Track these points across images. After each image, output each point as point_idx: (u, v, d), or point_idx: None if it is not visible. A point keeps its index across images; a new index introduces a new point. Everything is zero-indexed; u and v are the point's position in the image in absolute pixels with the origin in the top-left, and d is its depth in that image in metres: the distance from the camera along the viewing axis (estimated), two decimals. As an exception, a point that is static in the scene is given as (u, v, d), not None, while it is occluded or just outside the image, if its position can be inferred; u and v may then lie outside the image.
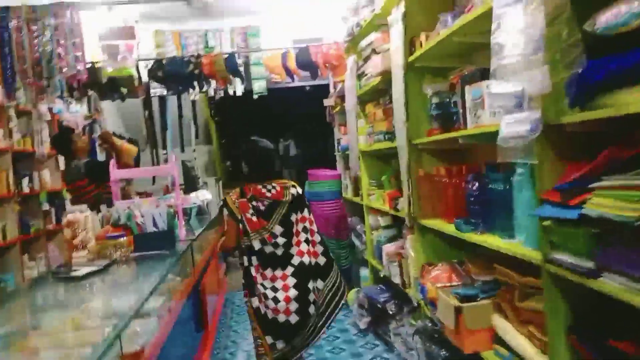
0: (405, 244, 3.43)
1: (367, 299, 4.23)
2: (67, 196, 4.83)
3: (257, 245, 2.60)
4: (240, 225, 2.61)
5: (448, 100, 2.75)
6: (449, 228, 2.65)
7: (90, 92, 5.09)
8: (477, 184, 2.43)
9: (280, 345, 2.60)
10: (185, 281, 3.05)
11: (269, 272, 2.61)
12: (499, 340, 2.21)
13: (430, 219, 3.07)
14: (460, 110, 2.58)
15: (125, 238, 2.80)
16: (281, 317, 2.58)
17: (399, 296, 3.95)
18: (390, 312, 3.88)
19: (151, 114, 6.05)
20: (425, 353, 2.91)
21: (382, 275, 4.03)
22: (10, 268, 4.01)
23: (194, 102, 6.13)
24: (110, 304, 2.11)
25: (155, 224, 3.01)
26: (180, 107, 6.10)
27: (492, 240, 2.22)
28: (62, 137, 4.17)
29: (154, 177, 6.46)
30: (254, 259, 2.62)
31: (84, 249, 2.70)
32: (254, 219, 2.61)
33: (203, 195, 4.93)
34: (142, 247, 2.94)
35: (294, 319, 2.60)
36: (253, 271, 2.61)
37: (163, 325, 2.27)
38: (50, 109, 4.80)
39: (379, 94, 4.09)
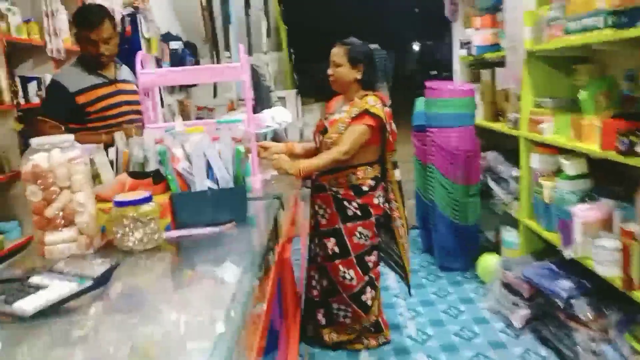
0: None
1: (527, 284, 2.70)
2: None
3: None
4: (389, 137, 2.41)
5: None
6: None
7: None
8: None
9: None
10: (266, 280, 1.61)
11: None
12: None
13: None
14: None
15: (152, 203, 1.35)
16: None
17: (595, 291, 2.40)
18: (583, 318, 2.35)
19: (210, 3, 4.43)
20: None
21: (568, 257, 2.45)
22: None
23: (265, -15, 4.44)
24: None
25: (211, 173, 1.53)
26: (246, -7, 4.44)
27: None
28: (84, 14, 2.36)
29: (214, 89, 4.97)
30: (397, 172, 2.57)
31: (69, 224, 1.28)
32: (395, 129, 2.47)
33: (281, 115, 3.41)
34: (186, 221, 1.49)
35: None
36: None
37: None
38: (68, -15, 3.30)
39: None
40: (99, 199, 1.44)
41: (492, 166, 3.45)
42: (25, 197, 1.26)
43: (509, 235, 3.23)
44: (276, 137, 3.52)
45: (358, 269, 2.53)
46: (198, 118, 5.65)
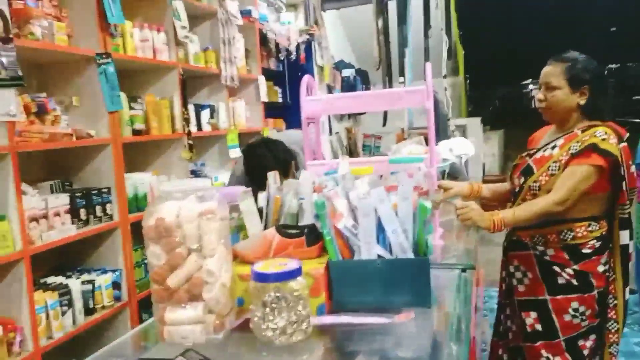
0: None
1: None
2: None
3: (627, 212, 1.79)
4: (624, 185, 1.73)
5: None
6: None
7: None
8: None
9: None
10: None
11: None
12: None
13: None
14: None
15: (301, 279, 0.97)
16: None
17: None
18: None
19: (386, 25, 4.12)
20: None
21: None
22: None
23: (448, 1, 3.97)
24: None
25: (382, 236, 1.11)
26: (427, 12, 4.01)
27: None
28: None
29: (385, 116, 4.63)
30: (626, 235, 1.81)
31: (195, 299, 0.96)
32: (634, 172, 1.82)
33: (461, 147, 2.89)
34: (346, 301, 1.08)
35: None
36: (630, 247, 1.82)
37: None
38: (247, 13, 3.25)
39: None
40: (239, 260, 1.10)
41: None
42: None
43: None
44: (454, 173, 2.99)
45: (567, 356, 1.87)
46: (364, 146, 5.39)
